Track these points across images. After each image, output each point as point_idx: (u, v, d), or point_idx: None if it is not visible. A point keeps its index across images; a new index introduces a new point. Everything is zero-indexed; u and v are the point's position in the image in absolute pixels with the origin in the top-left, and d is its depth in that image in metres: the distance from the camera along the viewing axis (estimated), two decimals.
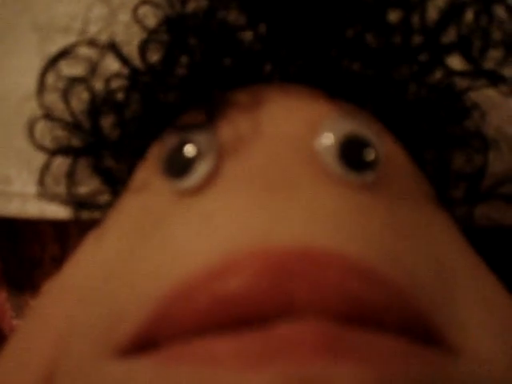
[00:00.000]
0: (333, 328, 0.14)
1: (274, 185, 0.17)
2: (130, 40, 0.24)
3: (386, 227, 0.17)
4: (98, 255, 0.19)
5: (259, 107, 0.19)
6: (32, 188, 0.30)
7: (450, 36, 0.23)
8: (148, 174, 0.20)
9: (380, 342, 0.14)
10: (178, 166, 0.18)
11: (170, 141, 0.19)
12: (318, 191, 0.17)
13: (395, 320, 0.15)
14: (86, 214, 0.29)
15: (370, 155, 0.18)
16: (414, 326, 0.16)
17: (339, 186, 0.17)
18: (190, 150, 0.18)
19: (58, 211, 0.30)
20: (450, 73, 0.23)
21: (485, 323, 0.17)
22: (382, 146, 0.19)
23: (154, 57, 0.23)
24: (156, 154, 0.20)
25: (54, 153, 0.27)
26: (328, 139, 0.18)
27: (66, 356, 0.17)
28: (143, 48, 0.23)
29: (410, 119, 0.22)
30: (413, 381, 0.14)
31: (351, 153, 0.18)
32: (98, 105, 0.24)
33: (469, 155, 0.24)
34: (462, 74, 0.23)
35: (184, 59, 0.22)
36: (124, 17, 0.24)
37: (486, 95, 0.24)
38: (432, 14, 0.22)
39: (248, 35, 0.22)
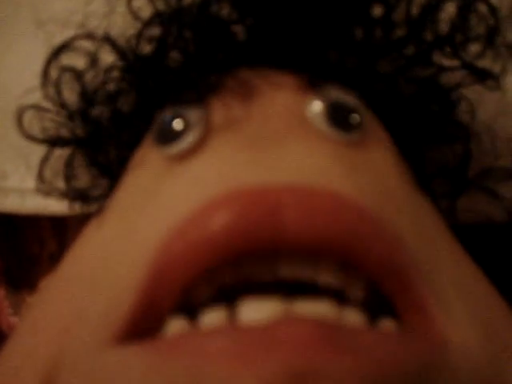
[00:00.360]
0: (327, 323, 0.14)
1: (264, 143, 0.18)
2: (126, 33, 0.24)
3: (373, 181, 0.18)
4: (98, 240, 0.20)
5: (249, 89, 0.20)
6: (29, 183, 0.30)
7: (435, 31, 0.23)
8: (143, 152, 0.21)
9: (375, 335, 0.14)
10: (167, 136, 0.19)
11: (162, 116, 0.20)
12: (307, 146, 0.18)
13: (378, 262, 0.16)
14: (85, 208, 0.29)
15: (356, 118, 0.19)
16: (399, 282, 0.16)
17: (328, 142, 0.18)
18: (179, 122, 0.19)
19: (55, 206, 0.31)
20: (436, 67, 0.23)
21: (468, 311, 0.17)
22: (367, 115, 0.20)
23: (148, 47, 0.24)
24: (151, 131, 0.21)
25: (50, 144, 0.27)
26: (317, 106, 0.19)
27: (70, 344, 0.17)
28: (137, 39, 0.24)
29: (393, 109, 0.23)
30: (407, 373, 0.14)
31: (339, 116, 0.19)
32: (93, 96, 0.25)
33: (451, 147, 0.25)
34: (448, 67, 0.23)
35: (178, 48, 0.23)
36: (121, 10, 0.25)
37: (470, 89, 0.25)
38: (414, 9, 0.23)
39: (239, 28, 0.23)
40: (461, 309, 0.17)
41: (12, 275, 0.36)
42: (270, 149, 0.18)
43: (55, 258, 0.36)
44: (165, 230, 0.16)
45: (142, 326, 0.16)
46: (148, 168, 0.20)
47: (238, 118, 0.19)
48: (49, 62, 0.25)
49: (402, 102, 0.23)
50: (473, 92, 0.25)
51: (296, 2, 0.22)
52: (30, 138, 0.27)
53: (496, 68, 0.24)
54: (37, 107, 0.26)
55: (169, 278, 0.16)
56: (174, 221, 0.16)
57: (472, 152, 0.24)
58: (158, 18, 0.24)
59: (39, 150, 0.28)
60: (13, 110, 0.27)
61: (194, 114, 0.20)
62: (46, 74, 0.26)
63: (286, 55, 0.22)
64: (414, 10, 0.23)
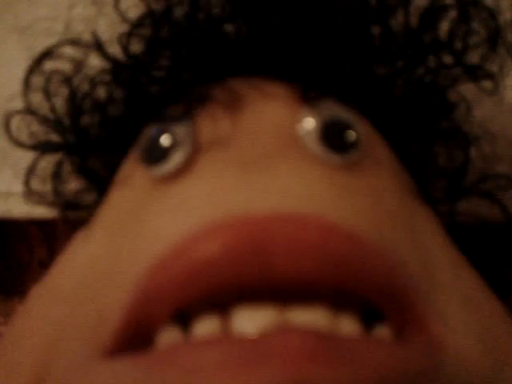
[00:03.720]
0: (321, 333, 0.14)
1: (253, 166, 0.17)
2: (113, 38, 0.24)
3: (368, 204, 0.17)
4: (83, 254, 0.19)
5: (238, 102, 0.19)
6: (16, 187, 0.30)
7: (431, 35, 0.23)
8: (131, 167, 0.21)
9: (369, 344, 0.14)
10: (154, 155, 0.19)
11: (149, 132, 0.19)
12: (298, 170, 0.17)
13: (379, 290, 0.15)
14: (72, 214, 0.29)
15: (351, 136, 0.18)
16: (398, 302, 0.16)
17: (318, 166, 0.17)
18: (166, 139, 0.19)
19: (42, 211, 0.30)
20: (434, 70, 0.23)
21: (466, 320, 0.17)
22: (363, 129, 0.19)
23: (137, 50, 0.23)
24: (137, 146, 0.21)
25: (35, 150, 0.27)
26: (309, 123, 0.18)
27: (56, 359, 0.17)
28: (126, 41, 0.23)
29: (391, 115, 0.22)
30: (402, 381, 0.14)
31: (333, 135, 0.18)
32: (80, 102, 0.24)
33: (450, 152, 0.24)
34: (444, 69, 0.23)
35: (167, 52, 0.22)
36: (108, 13, 0.24)
37: (468, 92, 0.24)
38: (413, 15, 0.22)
39: (231, 30, 0.23)
40: (458, 317, 0.17)
41: (2, 283, 0.36)
42: (258, 171, 0.17)
43: (45, 265, 0.36)
44: (151, 257, 0.16)
45: (132, 339, 0.16)
46: (134, 187, 0.19)
47: (227, 134, 0.18)
48: (31, 70, 0.25)
49: (400, 105, 0.22)
50: (471, 94, 0.24)
51: (290, 6, 0.21)
52: (18, 143, 0.26)
53: (493, 68, 0.24)
54: (24, 112, 0.26)
55: (154, 304, 0.16)
56: (159, 248, 0.16)
57: (471, 156, 0.24)
58: (147, 18, 0.23)
59: (25, 155, 0.27)
60: None
61: (181, 130, 0.19)
62: (27, 81, 0.25)
63: (278, 64, 0.21)
64: (413, 18, 0.22)
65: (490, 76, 0.24)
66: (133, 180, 0.20)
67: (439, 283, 0.17)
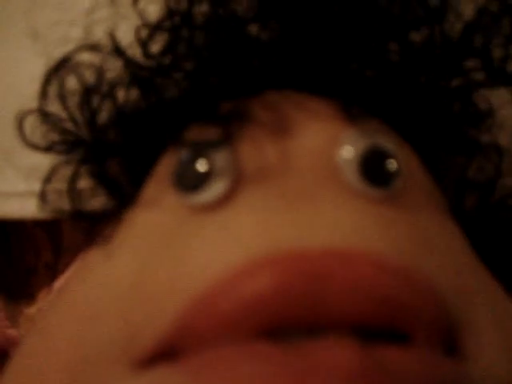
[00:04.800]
0: (366, 350, 0.14)
1: (294, 199, 0.17)
2: (133, 41, 0.23)
3: (408, 237, 0.17)
4: (110, 273, 0.19)
5: (281, 124, 0.18)
6: (16, 187, 0.29)
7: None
8: (158, 188, 0.20)
9: (412, 362, 0.14)
10: (189, 181, 0.18)
11: (181, 153, 0.19)
12: (339, 204, 0.17)
13: (427, 324, 0.15)
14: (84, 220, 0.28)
15: (392, 166, 0.18)
16: (442, 335, 0.16)
17: (360, 200, 0.17)
18: (202, 165, 0.18)
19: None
20: (471, 83, 0.22)
21: (500, 344, 0.17)
22: (403, 157, 0.18)
23: (157, 52, 0.22)
24: (167, 167, 0.20)
25: (48, 152, 0.26)
26: (348, 152, 0.18)
27: (82, 377, 0.16)
28: (146, 42, 0.22)
29: (426, 128, 0.22)
30: None
31: (372, 166, 0.18)
32: (99, 103, 0.23)
33: (481, 165, 0.24)
34: (483, 83, 0.22)
35: (189, 54, 0.21)
36: (128, 16, 0.23)
37: (500, 99, 0.24)
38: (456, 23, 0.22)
39: (257, 30, 0.21)
40: (493, 341, 0.17)
41: (8, 286, 0.36)
42: (303, 204, 0.17)
43: (51, 268, 0.35)
44: (196, 289, 0.15)
45: (166, 354, 0.16)
46: (165, 211, 0.18)
47: (272, 163, 0.18)
48: (48, 79, 0.24)
49: (435, 118, 0.22)
50: (502, 103, 0.24)
51: (328, 10, 0.20)
52: (32, 146, 0.25)
53: None
54: (37, 114, 0.25)
55: (193, 340, 0.15)
56: (205, 282, 0.15)
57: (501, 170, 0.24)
58: (167, 19, 0.22)
59: (26, 154, 0.26)
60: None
61: (220, 155, 0.18)
62: (44, 91, 0.24)
63: (319, 74, 0.20)
64: (453, 33, 0.21)
65: None
66: (163, 203, 0.19)
67: (476, 309, 0.17)
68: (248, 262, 0.15)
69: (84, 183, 0.27)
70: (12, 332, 0.36)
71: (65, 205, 0.26)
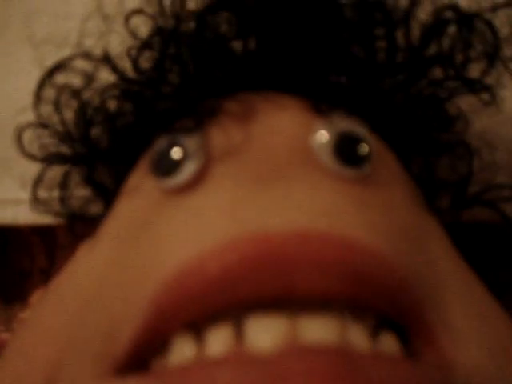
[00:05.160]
0: (334, 352, 0.14)
1: (267, 179, 0.17)
2: (124, 52, 0.24)
3: (382, 218, 0.17)
4: (89, 264, 0.19)
5: (250, 114, 0.19)
6: (21, 195, 0.30)
7: (433, 47, 0.24)
8: (139, 178, 0.21)
9: (383, 362, 0.14)
10: (165, 167, 0.18)
11: (159, 144, 0.19)
12: (313, 184, 0.17)
13: (393, 303, 0.16)
14: (76, 224, 0.29)
15: (364, 150, 0.18)
16: (409, 315, 0.16)
17: (335, 180, 0.17)
18: (177, 152, 0.18)
19: (46, 219, 0.30)
20: (435, 82, 0.24)
21: (474, 332, 0.17)
22: (374, 143, 0.19)
23: (146, 66, 0.23)
24: (147, 158, 0.21)
25: (43, 161, 0.27)
26: (323, 136, 0.18)
27: (63, 375, 0.16)
28: (135, 57, 0.24)
29: (397, 127, 0.23)
30: None
31: (346, 149, 0.18)
32: (91, 115, 0.25)
33: (453, 163, 0.25)
34: (445, 82, 0.24)
35: (176, 68, 0.22)
36: (118, 29, 0.24)
37: (468, 103, 0.25)
38: (415, 28, 0.23)
39: (238, 46, 0.23)
40: (469, 331, 0.17)
41: (3, 291, 0.36)
42: (273, 185, 0.17)
43: (46, 273, 0.36)
44: (167, 272, 0.16)
45: (144, 351, 0.16)
46: (144, 198, 0.19)
47: (239, 146, 0.18)
48: (42, 82, 0.25)
49: (403, 118, 0.23)
50: (471, 108, 0.25)
51: (300, 23, 0.22)
52: (28, 155, 0.26)
53: (490, 81, 0.25)
54: (34, 125, 0.26)
55: (169, 320, 0.16)
56: (176, 264, 0.16)
57: (473, 167, 0.25)
58: (156, 36, 0.24)
59: (24, 163, 0.27)
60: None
61: (191, 142, 0.19)
62: (38, 93, 0.25)
63: (288, 78, 0.21)
64: (415, 30, 0.23)
65: (488, 88, 0.24)
66: (142, 191, 0.20)
67: (448, 297, 0.17)
68: (216, 244, 0.15)
69: (79, 191, 0.28)
70: (6, 336, 0.36)
71: (55, 203, 0.27)
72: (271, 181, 0.17)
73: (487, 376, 0.16)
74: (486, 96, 0.25)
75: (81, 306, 0.18)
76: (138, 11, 0.25)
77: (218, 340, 0.15)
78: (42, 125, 0.26)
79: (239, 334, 0.15)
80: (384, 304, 0.16)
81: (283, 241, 0.15)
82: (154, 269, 0.16)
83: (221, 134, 0.19)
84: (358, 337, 0.16)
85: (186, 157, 0.18)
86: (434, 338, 0.16)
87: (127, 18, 0.24)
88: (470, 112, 0.25)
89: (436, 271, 0.18)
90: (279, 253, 0.15)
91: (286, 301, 0.15)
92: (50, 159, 0.27)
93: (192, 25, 0.23)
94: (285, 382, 0.13)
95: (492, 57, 0.23)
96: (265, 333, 0.15)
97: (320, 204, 0.16)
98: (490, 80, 0.25)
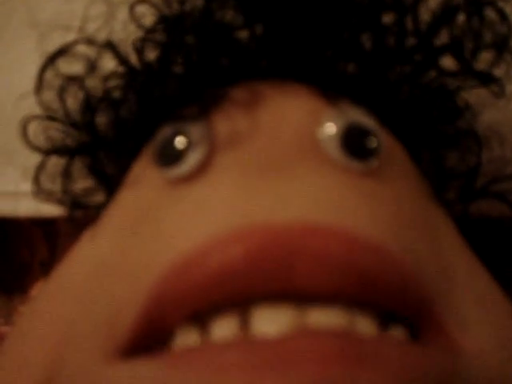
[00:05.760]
0: (345, 335, 0.14)
1: (273, 170, 0.17)
2: (128, 39, 0.24)
3: (390, 212, 0.17)
4: (93, 253, 0.19)
5: (256, 102, 0.19)
6: (23, 187, 0.30)
7: (442, 37, 0.23)
8: (142, 167, 0.20)
9: (390, 345, 0.14)
10: (169, 156, 0.18)
11: (163, 133, 0.19)
12: (319, 177, 0.17)
13: (399, 301, 0.15)
14: (78, 214, 0.29)
15: (373, 143, 0.18)
16: (417, 311, 0.16)
17: (342, 173, 0.17)
18: (181, 141, 0.18)
19: (47, 210, 0.30)
20: (443, 73, 0.23)
21: (482, 321, 0.17)
22: (383, 136, 0.19)
23: (151, 55, 0.23)
24: (150, 148, 0.20)
25: (48, 152, 0.27)
26: (330, 128, 0.18)
27: (67, 360, 0.16)
28: (140, 46, 0.23)
29: (404, 118, 0.22)
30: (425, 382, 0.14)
31: (353, 141, 0.18)
32: (94, 103, 0.24)
33: (462, 155, 0.24)
34: (454, 74, 0.23)
35: (180, 57, 0.22)
36: (122, 15, 0.24)
37: (477, 95, 0.25)
38: (425, 16, 0.23)
39: (244, 34, 0.22)
40: (477, 320, 0.17)
41: (3, 284, 0.36)
42: (278, 175, 0.17)
43: (46, 266, 0.36)
44: (170, 260, 0.16)
45: (148, 339, 0.16)
46: (146, 187, 0.19)
47: (245, 133, 0.18)
48: (44, 68, 0.25)
49: (412, 110, 0.23)
50: (480, 99, 0.24)
51: (308, 10, 0.21)
52: (32, 146, 0.26)
53: (499, 73, 0.24)
54: (39, 116, 0.26)
55: (171, 311, 0.15)
56: (180, 252, 0.16)
57: (482, 159, 0.24)
58: (161, 23, 0.23)
59: (27, 153, 0.27)
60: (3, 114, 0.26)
61: (196, 131, 0.18)
62: (41, 79, 0.25)
63: (297, 65, 0.21)
64: (425, 18, 0.22)
65: (497, 80, 0.24)
66: (145, 180, 0.19)
67: (457, 287, 0.17)
68: (220, 233, 0.15)
69: (82, 181, 0.28)
70: (6, 329, 0.36)
71: (57, 192, 0.27)
72: (277, 172, 0.17)
73: (495, 364, 0.16)
74: (495, 88, 0.24)
75: (83, 292, 0.18)
76: (143, 0, 0.25)
77: (223, 329, 0.15)
78: (46, 113, 0.26)
79: (245, 324, 0.15)
80: (390, 300, 0.15)
81: (287, 233, 0.15)
82: (156, 258, 0.16)
83: (226, 122, 0.18)
84: (365, 326, 0.15)
85: (190, 146, 0.18)
86: (443, 328, 0.16)
87: (132, 7, 0.24)
88: (479, 104, 0.25)
89: (445, 262, 0.17)
90: (283, 245, 0.15)
91: (292, 295, 0.15)
92: (53, 149, 0.26)
93: (197, 13, 0.23)
94: (293, 363, 0.13)
95: (501, 47, 0.23)
96: (271, 321, 0.15)
97: (326, 197, 0.16)
98: (499, 72, 0.24)
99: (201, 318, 0.16)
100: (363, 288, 0.15)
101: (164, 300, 0.15)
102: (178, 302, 0.15)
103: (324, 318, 0.15)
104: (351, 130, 0.18)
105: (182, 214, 0.17)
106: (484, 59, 0.24)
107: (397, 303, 0.15)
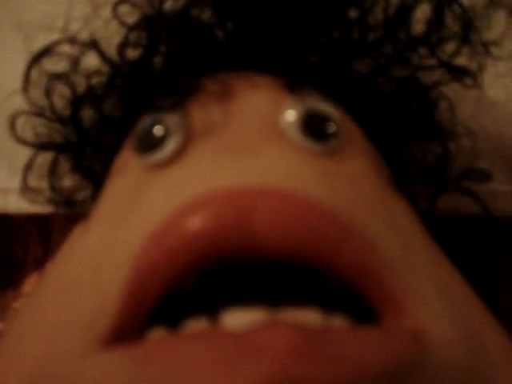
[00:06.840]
0: (309, 328, 0.14)
1: (240, 152, 0.18)
2: (110, 37, 0.25)
3: (345, 187, 0.18)
4: (82, 246, 0.20)
5: (227, 93, 0.20)
6: (12, 183, 0.30)
7: (411, 31, 0.24)
8: (125, 157, 0.21)
9: (350, 340, 0.14)
10: (148, 143, 0.20)
11: (142, 122, 0.20)
12: (280, 154, 0.18)
13: (354, 268, 0.16)
14: (68, 211, 0.29)
15: (331, 127, 0.19)
16: (372, 279, 0.16)
17: (301, 152, 0.19)
18: (159, 129, 0.20)
19: (38, 207, 0.31)
20: (412, 67, 0.24)
21: (444, 306, 0.17)
22: (342, 121, 0.20)
23: (132, 52, 0.24)
24: (131, 137, 0.21)
25: (35, 148, 0.27)
26: (291, 115, 0.20)
27: (56, 353, 0.17)
28: (122, 44, 0.24)
29: (372, 110, 0.23)
30: (387, 373, 0.14)
31: (313, 126, 0.19)
32: (79, 99, 0.25)
33: (430, 147, 0.25)
34: (425, 67, 0.24)
35: (159, 52, 0.23)
36: (105, 14, 0.25)
37: (450, 88, 0.25)
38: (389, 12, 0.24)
39: (219, 31, 0.24)
40: (435, 301, 0.17)
41: None
42: (244, 155, 0.18)
43: (40, 262, 0.36)
44: (144, 235, 0.17)
45: (125, 329, 0.16)
46: (129, 176, 0.20)
47: (217, 122, 0.20)
48: (30, 67, 0.25)
49: (381, 102, 0.23)
50: (452, 91, 0.25)
51: (274, 6, 0.22)
52: (20, 141, 0.27)
53: (473, 66, 0.25)
54: (26, 112, 0.26)
55: (149, 280, 0.16)
56: (151, 226, 0.17)
57: (452, 152, 0.25)
58: (142, 22, 0.24)
59: (22, 151, 0.28)
60: None
61: (173, 120, 0.20)
62: (27, 78, 0.26)
63: (264, 58, 0.22)
64: (390, 12, 0.23)
65: (470, 73, 0.25)
66: (127, 169, 0.20)
67: (416, 266, 0.18)
68: (185, 203, 0.17)
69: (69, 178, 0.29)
70: (0, 325, 0.36)
71: (45, 190, 0.28)
72: (243, 153, 0.18)
73: (458, 346, 0.16)
74: (467, 80, 0.25)
75: (73, 286, 0.18)
76: (125, 0, 0.26)
77: (193, 326, 0.16)
78: (33, 110, 0.27)
79: (215, 322, 0.16)
80: (343, 266, 0.16)
81: (246, 193, 0.16)
82: (134, 235, 0.17)
83: (201, 112, 0.20)
84: (336, 322, 0.16)
85: (167, 134, 0.19)
86: (401, 304, 0.16)
87: (115, 7, 0.25)
88: (453, 100, 0.25)
89: (403, 242, 0.18)
90: (243, 205, 0.16)
91: (264, 296, 0.16)
92: (40, 145, 0.27)
93: (175, 12, 0.24)
94: (256, 354, 0.13)
95: (465, 36, 0.24)
96: (241, 318, 0.16)
97: (285, 169, 0.18)
98: (471, 65, 0.25)
99: (171, 322, 0.17)
100: (319, 250, 0.16)
101: (141, 273, 0.16)
102: (153, 272, 0.16)
103: (295, 315, 0.16)
104: (310, 115, 0.20)
105: (157, 193, 0.18)
106: (453, 50, 0.24)
107: (351, 269, 0.16)
